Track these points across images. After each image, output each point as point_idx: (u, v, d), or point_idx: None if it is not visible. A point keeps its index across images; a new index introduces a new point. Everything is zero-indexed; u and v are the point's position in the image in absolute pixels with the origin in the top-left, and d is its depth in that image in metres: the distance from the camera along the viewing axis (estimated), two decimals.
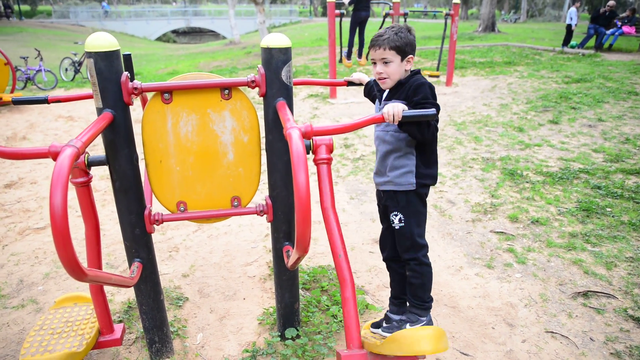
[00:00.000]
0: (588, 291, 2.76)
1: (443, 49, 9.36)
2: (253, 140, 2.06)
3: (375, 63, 1.92)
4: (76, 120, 7.74)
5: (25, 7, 44.97)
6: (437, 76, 9.20)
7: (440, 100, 7.74)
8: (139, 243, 2.09)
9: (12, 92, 8.89)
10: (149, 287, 2.20)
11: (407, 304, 2.08)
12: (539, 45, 14.21)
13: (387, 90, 1.98)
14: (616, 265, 2.99)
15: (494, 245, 3.33)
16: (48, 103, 2.21)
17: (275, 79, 1.92)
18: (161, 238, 3.74)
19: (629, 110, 6.21)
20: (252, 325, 2.68)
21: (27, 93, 9.96)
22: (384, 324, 2.17)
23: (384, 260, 2.23)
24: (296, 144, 1.41)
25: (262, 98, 2.01)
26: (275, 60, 1.88)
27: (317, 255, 3.40)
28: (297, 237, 1.44)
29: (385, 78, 1.91)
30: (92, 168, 1.93)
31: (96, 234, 2.06)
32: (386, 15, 8.48)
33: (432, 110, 1.71)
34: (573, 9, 13.64)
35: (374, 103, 2.18)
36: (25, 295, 3.03)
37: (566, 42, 13.47)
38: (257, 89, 1.97)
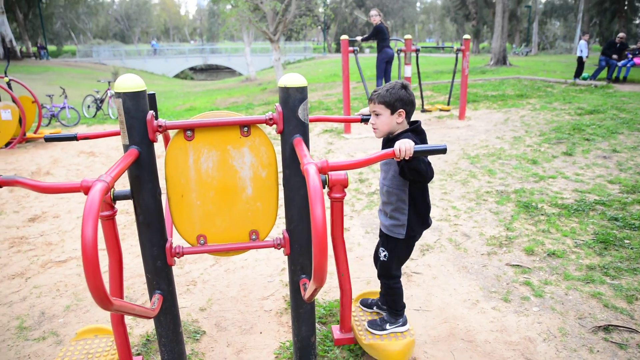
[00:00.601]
0: (609, 325, 2.71)
1: (455, 83, 9.52)
2: (271, 175, 2.14)
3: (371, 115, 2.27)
4: (97, 156, 7.97)
5: (52, 47, 47.02)
6: (448, 110, 9.32)
7: (453, 133, 7.82)
8: (160, 275, 2.15)
9: (37, 128, 9.24)
10: (168, 319, 2.24)
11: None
12: (551, 77, 14.33)
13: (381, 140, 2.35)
14: (637, 298, 2.94)
15: (510, 279, 3.31)
16: (77, 140, 2.33)
17: (292, 117, 2.01)
18: (179, 272, 3.79)
19: None
20: (269, 359, 2.69)
21: (51, 129, 10.31)
22: (388, 326, 2.53)
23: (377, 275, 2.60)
24: (313, 179, 1.48)
25: (279, 134, 2.10)
26: (292, 99, 1.98)
27: (333, 289, 3.41)
28: (315, 269, 1.48)
29: (375, 128, 2.25)
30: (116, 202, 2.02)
31: (119, 265, 2.13)
32: (399, 52, 8.70)
33: (443, 145, 1.77)
34: (583, 41, 13.80)
35: None
36: (46, 328, 3.08)
37: (578, 74, 13.57)
38: (274, 126, 2.07)
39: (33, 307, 3.34)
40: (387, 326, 2.53)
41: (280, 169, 2.12)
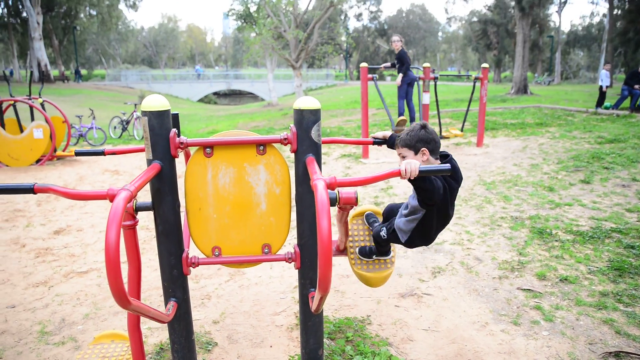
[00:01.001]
0: (620, 352, 2.70)
1: (473, 111, 9.59)
2: (284, 192, 2.25)
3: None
4: (121, 175, 8.25)
5: (83, 71, 48.99)
6: (462, 136, 9.36)
7: (470, 160, 7.86)
8: (175, 283, 2.26)
9: (66, 147, 9.63)
10: (182, 326, 2.34)
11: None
12: (572, 106, 14.28)
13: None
14: None
15: (520, 302, 3.32)
16: (104, 155, 2.50)
17: (306, 137, 2.13)
18: (195, 286, 3.90)
19: None
20: None
21: (78, 147, 10.71)
22: (374, 257, 2.80)
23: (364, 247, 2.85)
24: (321, 194, 1.58)
25: (293, 154, 2.23)
26: (306, 121, 2.11)
27: (344, 308, 3.46)
28: (319, 277, 1.57)
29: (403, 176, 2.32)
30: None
31: (138, 272, 2.25)
32: (417, 79, 8.85)
33: (447, 166, 1.86)
34: (604, 71, 13.78)
35: None
36: (65, 333, 3.21)
37: (599, 103, 13.49)
38: (289, 145, 2.19)
39: (54, 313, 3.48)
40: (374, 256, 2.80)
41: (293, 186, 2.24)
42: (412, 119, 9.27)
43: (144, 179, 1.80)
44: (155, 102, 1.98)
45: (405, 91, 8.98)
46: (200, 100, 47.13)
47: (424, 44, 70.12)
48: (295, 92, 15.94)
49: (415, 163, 1.87)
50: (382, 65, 9.29)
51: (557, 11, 46.68)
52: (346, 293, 3.67)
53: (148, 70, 58.01)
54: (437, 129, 10.42)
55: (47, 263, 4.44)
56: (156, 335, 3.17)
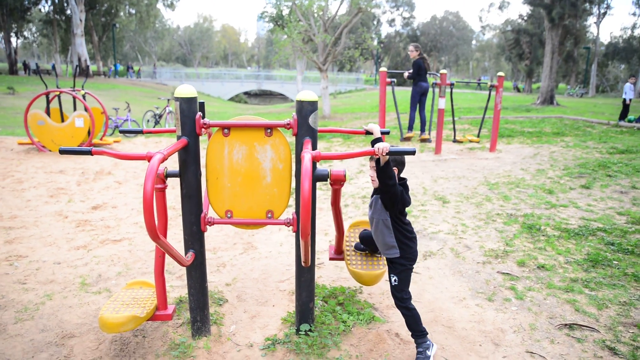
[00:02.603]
0: (574, 324, 3.08)
1: (489, 117, 9.88)
2: (286, 168, 2.75)
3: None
4: None
5: (121, 67, 50.92)
6: (477, 142, 9.67)
7: (480, 163, 8.18)
8: (194, 237, 2.78)
9: (102, 136, 10.39)
10: (197, 274, 2.86)
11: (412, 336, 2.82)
12: (595, 119, 14.31)
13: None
14: (607, 306, 3.28)
15: (498, 283, 3.71)
16: (143, 133, 3.05)
17: (304, 123, 2.62)
18: (212, 256, 4.43)
19: None
20: (276, 324, 3.23)
21: (114, 138, 11.49)
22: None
23: (361, 240, 3.29)
24: (306, 163, 2.08)
25: (294, 137, 2.72)
26: (305, 110, 2.60)
27: (340, 279, 3.92)
28: (301, 226, 2.06)
29: (374, 180, 2.67)
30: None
31: (165, 225, 2.78)
32: (434, 85, 9.23)
33: (413, 148, 2.32)
34: (628, 83, 13.77)
35: None
36: (101, 286, 3.79)
37: (623, 116, 13.50)
38: (291, 130, 2.68)
39: (92, 270, 4.08)
40: (421, 349, 2.76)
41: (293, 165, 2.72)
42: (422, 130, 9.66)
43: (173, 149, 2.33)
44: (185, 90, 2.51)
45: (417, 100, 9.38)
46: (231, 100, 48.28)
47: (457, 52, 69.73)
48: (322, 94, 16.45)
49: (386, 144, 2.34)
50: (405, 73, 9.67)
51: (595, 22, 45.82)
52: (344, 269, 4.13)
53: (182, 68, 59.72)
54: (450, 134, 10.76)
55: (86, 232, 5.07)
56: (176, 291, 3.70)
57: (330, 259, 3.42)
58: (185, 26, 77.09)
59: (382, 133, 3.09)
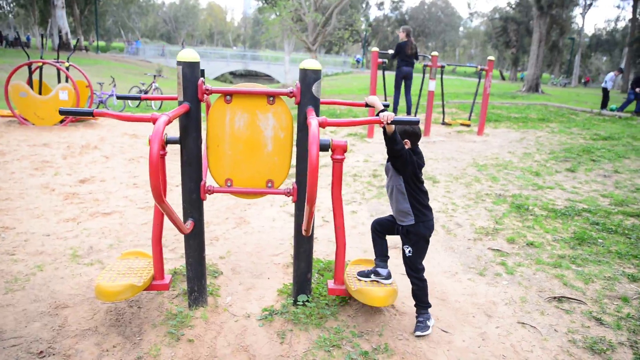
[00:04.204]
0: (562, 297, 3.17)
1: (478, 103, 9.96)
2: (287, 137, 2.74)
3: None
4: (139, 138, 8.77)
5: (101, 43, 49.61)
6: (468, 125, 9.76)
7: (468, 146, 8.28)
8: (193, 206, 2.76)
9: None
10: (196, 243, 2.85)
11: (415, 306, 2.88)
12: (579, 107, 14.55)
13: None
14: (593, 281, 3.39)
15: (488, 259, 3.79)
16: (141, 100, 2.99)
17: (308, 92, 2.60)
18: (205, 230, 4.41)
19: None
20: (272, 295, 3.26)
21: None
22: (372, 276, 2.91)
23: (374, 230, 2.99)
24: (313, 128, 2.07)
25: (296, 106, 2.70)
26: (309, 78, 2.58)
27: (334, 254, 3.95)
28: (308, 193, 2.06)
29: None
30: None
31: (164, 190, 2.75)
32: (425, 66, 9.24)
33: (416, 118, 2.33)
34: (611, 73, 14.00)
35: None
36: (93, 258, 3.75)
37: (604, 104, 13.74)
38: (293, 98, 2.66)
39: (83, 242, 4.03)
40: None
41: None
42: (408, 112, 9.69)
43: (177, 112, 2.29)
44: (188, 55, 2.46)
45: (400, 84, 9.38)
46: (216, 79, 47.53)
47: (444, 38, 69.71)
48: None
49: (391, 114, 2.35)
50: (390, 51, 9.64)
51: (581, 13, 46.23)
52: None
53: (166, 45, 58.43)
54: (440, 117, 10.83)
55: (75, 204, 4.99)
56: (170, 264, 3.68)
57: (330, 292, 2.98)
58: (170, 2, 75.27)
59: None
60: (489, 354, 2.62)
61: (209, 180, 2.89)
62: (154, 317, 2.93)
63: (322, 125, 2.24)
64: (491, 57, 9.06)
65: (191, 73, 2.49)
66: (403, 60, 9.24)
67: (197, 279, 2.93)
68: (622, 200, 5.08)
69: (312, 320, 2.84)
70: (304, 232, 2.58)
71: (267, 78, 52.06)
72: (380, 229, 2.99)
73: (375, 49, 8.57)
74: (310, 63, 2.58)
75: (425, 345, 2.68)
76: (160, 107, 13.12)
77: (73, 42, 41.22)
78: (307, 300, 3.01)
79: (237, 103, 2.65)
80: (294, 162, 2.78)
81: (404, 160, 2.60)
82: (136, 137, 8.76)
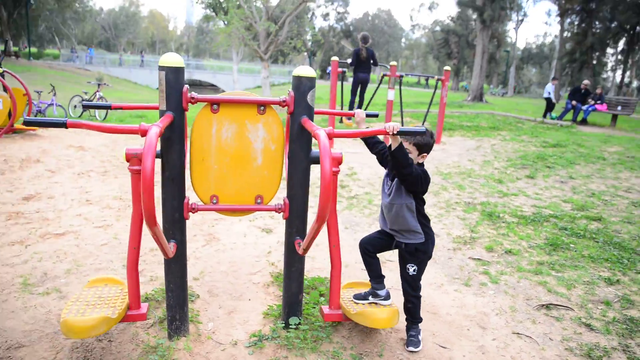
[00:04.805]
0: (550, 304, 3.19)
1: (433, 113, 10.19)
2: (278, 149, 2.56)
3: None
4: (87, 150, 8.19)
5: (33, 49, 46.69)
6: None
7: (429, 155, 8.41)
8: (175, 226, 2.51)
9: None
10: (178, 267, 2.60)
11: (406, 321, 2.79)
12: (522, 115, 15.31)
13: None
14: (575, 286, 3.45)
15: (471, 269, 3.77)
16: (111, 109, 2.71)
17: (302, 100, 2.45)
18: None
19: (596, 172, 6.88)
20: (257, 318, 3.04)
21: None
22: (370, 298, 2.75)
23: (365, 251, 2.81)
24: (323, 140, 1.91)
25: (287, 115, 2.53)
26: (304, 86, 2.43)
27: (315, 269, 3.79)
28: (319, 210, 1.89)
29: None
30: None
31: (141, 215, 2.48)
32: (383, 76, 9.32)
33: (422, 128, 2.24)
34: (550, 84, 14.88)
35: (384, 167, 2.75)
36: (49, 286, 3.35)
37: (546, 113, 14.57)
38: (286, 107, 2.50)
39: (35, 268, 3.60)
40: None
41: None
42: (351, 104, 9.80)
43: (165, 122, 2.06)
44: (172, 59, 2.24)
45: (355, 90, 9.60)
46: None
47: (388, 49, 71.69)
48: (262, 84, 16.12)
49: (396, 124, 2.24)
50: (349, 60, 9.73)
51: (514, 28, 49.17)
52: (316, 258, 4.01)
53: (106, 53, 55.96)
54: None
55: (21, 225, 4.49)
56: (142, 287, 3.36)
57: (326, 318, 2.75)
58: (109, 9, 72.21)
59: (369, 116, 3.00)
60: None
61: (192, 198, 2.65)
62: (129, 351, 2.63)
63: (329, 136, 2.09)
64: (447, 68, 9.30)
65: (175, 79, 2.26)
66: (359, 66, 9.35)
67: (179, 306, 2.66)
68: (582, 205, 5.29)
69: (307, 344, 2.66)
70: (301, 251, 2.41)
71: (213, 88, 51.07)
72: (372, 249, 2.81)
73: (336, 58, 8.56)
74: (305, 70, 2.43)
75: None
76: (105, 118, 12.40)
77: (0, 47, 38.40)
78: (299, 323, 2.82)
79: (225, 113, 2.44)
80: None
81: (417, 178, 2.45)
82: (83, 150, 8.17)
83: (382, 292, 2.76)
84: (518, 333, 2.88)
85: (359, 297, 2.79)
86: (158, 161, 2.46)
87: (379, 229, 2.90)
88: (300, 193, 2.60)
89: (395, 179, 2.58)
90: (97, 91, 12.91)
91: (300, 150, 2.53)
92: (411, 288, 2.69)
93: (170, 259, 2.56)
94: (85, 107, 2.51)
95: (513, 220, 4.82)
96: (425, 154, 2.56)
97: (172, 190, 2.44)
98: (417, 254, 2.64)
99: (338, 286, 2.74)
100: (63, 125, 2.00)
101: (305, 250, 2.36)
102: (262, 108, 2.47)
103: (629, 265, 3.83)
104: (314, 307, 3.07)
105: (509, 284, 3.53)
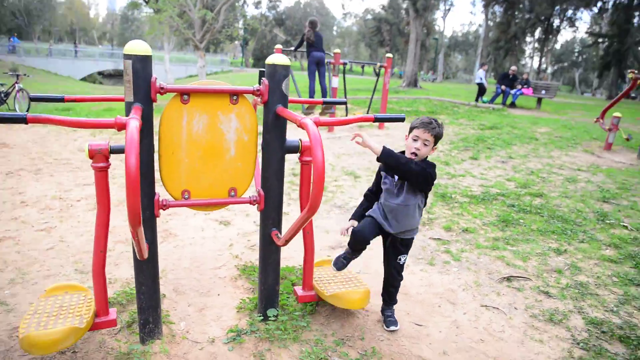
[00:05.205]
0: (510, 276, 3.39)
1: (375, 99, 10.37)
2: (252, 139, 2.49)
3: (416, 140, 2.44)
4: (12, 147, 7.53)
5: None
6: (373, 121, 10.13)
7: (374, 140, 8.57)
8: (146, 225, 2.37)
9: None
10: (150, 267, 2.46)
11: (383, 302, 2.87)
12: (456, 100, 16.00)
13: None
14: (529, 258, 3.69)
15: (433, 249, 3.92)
16: (64, 102, 2.49)
17: (277, 89, 2.39)
18: (127, 247, 3.89)
19: (531, 151, 7.37)
20: (231, 313, 2.96)
21: None
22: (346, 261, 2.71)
23: (362, 245, 2.65)
24: (312, 128, 1.88)
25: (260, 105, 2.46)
26: (278, 74, 2.36)
27: (283, 260, 3.74)
28: (312, 199, 1.87)
29: (417, 155, 2.44)
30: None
31: (107, 215, 2.32)
32: (328, 64, 9.33)
33: (402, 115, 2.28)
34: (481, 70, 15.68)
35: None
36: None
37: (478, 97, 15.35)
38: (260, 97, 2.42)
39: None
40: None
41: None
42: (311, 89, 9.79)
43: (139, 113, 1.93)
44: (140, 47, 2.09)
45: (313, 70, 9.44)
46: (84, 80, 43.09)
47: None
48: (198, 73, 15.57)
49: (362, 136, 2.34)
50: (292, 48, 9.67)
51: (442, 16, 51.10)
52: (284, 248, 3.97)
53: (19, 41, 51.34)
54: (344, 113, 11.08)
55: None
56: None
57: (300, 300, 2.85)
58: None
59: (338, 103, 3.02)
60: (468, 341, 2.68)
61: (162, 194, 2.51)
62: None
63: (316, 124, 2.05)
64: (389, 55, 9.48)
65: (143, 69, 2.12)
66: (310, 46, 9.28)
67: (152, 308, 2.53)
68: (524, 183, 5.65)
69: (288, 334, 2.64)
70: (282, 243, 2.37)
71: None
72: (368, 243, 2.68)
73: (279, 46, 8.43)
74: (279, 58, 2.36)
75: (408, 342, 2.65)
76: (28, 109, 11.44)
77: None
78: (277, 315, 2.79)
79: (196, 103, 2.33)
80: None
81: (427, 175, 2.38)
82: (7, 147, 7.49)
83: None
84: (486, 305, 3.04)
85: (338, 262, 2.73)
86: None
87: (348, 218, 2.85)
88: (275, 184, 2.56)
89: (404, 181, 2.49)
90: (17, 82, 11.83)
91: (275, 140, 2.48)
92: (398, 274, 2.76)
93: (142, 260, 2.42)
94: (34, 100, 2.29)
95: (465, 200, 5.05)
96: (436, 147, 2.51)
97: (142, 187, 2.30)
98: (409, 245, 2.71)
99: (311, 269, 2.85)
100: (23, 120, 1.81)
101: (288, 241, 2.33)
102: (234, 98, 2.38)
103: (572, 235, 4.16)
104: (289, 297, 3.05)
105: (470, 260, 3.70)
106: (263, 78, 2.40)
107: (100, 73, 48.69)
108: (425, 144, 2.42)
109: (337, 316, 2.90)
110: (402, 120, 2.31)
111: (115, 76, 52.37)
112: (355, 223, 2.73)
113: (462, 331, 2.78)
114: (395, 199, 2.54)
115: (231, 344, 2.60)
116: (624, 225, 4.44)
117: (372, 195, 2.80)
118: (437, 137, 2.44)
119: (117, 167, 5.91)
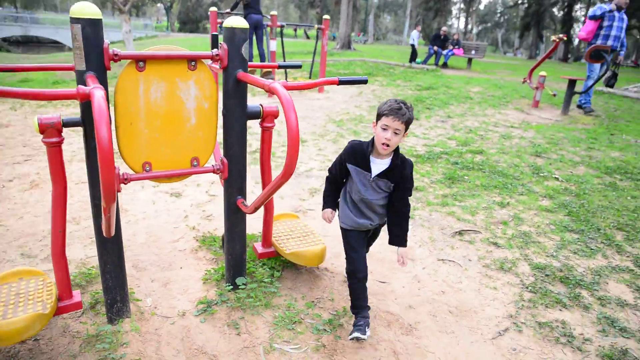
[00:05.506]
0: (462, 230, 3.62)
1: (315, 61, 10.28)
2: (212, 107, 2.40)
3: (386, 129, 2.16)
4: None
5: None
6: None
7: (315, 104, 8.56)
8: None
9: None
10: (115, 246, 2.36)
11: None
12: (391, 61, 16.24)
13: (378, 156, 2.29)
14: (477, 212, 3.94)
15: None
16: (15, 71, 2.24)
17: (237, 54, 2.30)
18: (76, 227, 3.69)
19: (468, 110, 7.73)
20: (197, 285, 2.94)
21: None
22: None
23: (360, 280, 2.47)
24: (283, 92, 1.85)
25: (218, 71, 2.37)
26: (237, 38, 2.27)
27: (249, 227, 3.73)
28: (287, 163, 1.86)
29: (389, 145, 2.18)
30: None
31: (64, 193, 2.18)
32: (265, 27, 9.06)
33: (365, 77, 2.29)
34: (415, 31, 15.96)
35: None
36: None
37: (412, 59, 15.67)
38: (219, 62, 2.33)
39: None
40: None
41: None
42: (261, 60, 9.53)
43: (97, 83, 1.79)
44: (89, 10, 1.93)
45: (251, 33, 9.09)
46: None
47: None
48: (124, 39, 14.53)
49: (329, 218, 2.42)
50: (227, 11, 9.23)
51: None
52: (253, 216, 3.94)
53: None
54: (282, 77, 10.90)
55: None
56: (51, 276, 3.00)
57: (260, 256, 2.98)
58: None
59: (293, 66, 2.98)
60: (430, 293, 2.85)
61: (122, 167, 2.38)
62: (66, 345, 2.38)
63: (285, 88, 2.01)
64: (326, 16, 9.36)
65: (94, 33, 1.95)
66: (247, 8, 8.87)
67: (120, 287, 2.45)
68: (464, 141, 5.94)
69: (260, 301, 2.67)
70: (251, 210, 2.35)
71: (56, 45, 44.56)
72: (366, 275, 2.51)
73: (214, 8, 8.04)
74: (236, 21, 2.27)
75: (375, 299, 2.78)
76: None
77: None
78: (246, 283, 2.80)
79: (152, 70, 2.19)
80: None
81: (412, 186, 2.46)
82: None
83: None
84: (442, 259, 3.24)
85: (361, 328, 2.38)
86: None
87: (350, 228, 2.59)
88: (238, 151, 2.51)
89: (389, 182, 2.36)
90: None
91: (237, 107, 2.41)
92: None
93: (106, 239, 2.31)
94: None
95: (411, 160, 5.24)
96: (407, 132, 2.25)
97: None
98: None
99: (270, 229, 2.97)
100: None
101: (257, 208, 2.31)
102: (192, 63, 2.27)
103: (512, 189, 4.48)
104: (255, 265, 3.06)
105: (422, 217, 3.89)
106: (221, 42, 2.31)
107: (5, 39, 43.98)
108: (396, 133, 2.15)
109: (304, 280, 2.96)
110: (364, 82, 2.33)
111: (24, 43, 47.54)
112: (333, 212, 2.57)
113: (423, 285, 2.95)
114: (377, 195, 2.40)
115: (202, 315, 2.59)
116: (555, 177, 4.84)
117: (336, 181, 2.57)
118: (408, 123, 2.18)
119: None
